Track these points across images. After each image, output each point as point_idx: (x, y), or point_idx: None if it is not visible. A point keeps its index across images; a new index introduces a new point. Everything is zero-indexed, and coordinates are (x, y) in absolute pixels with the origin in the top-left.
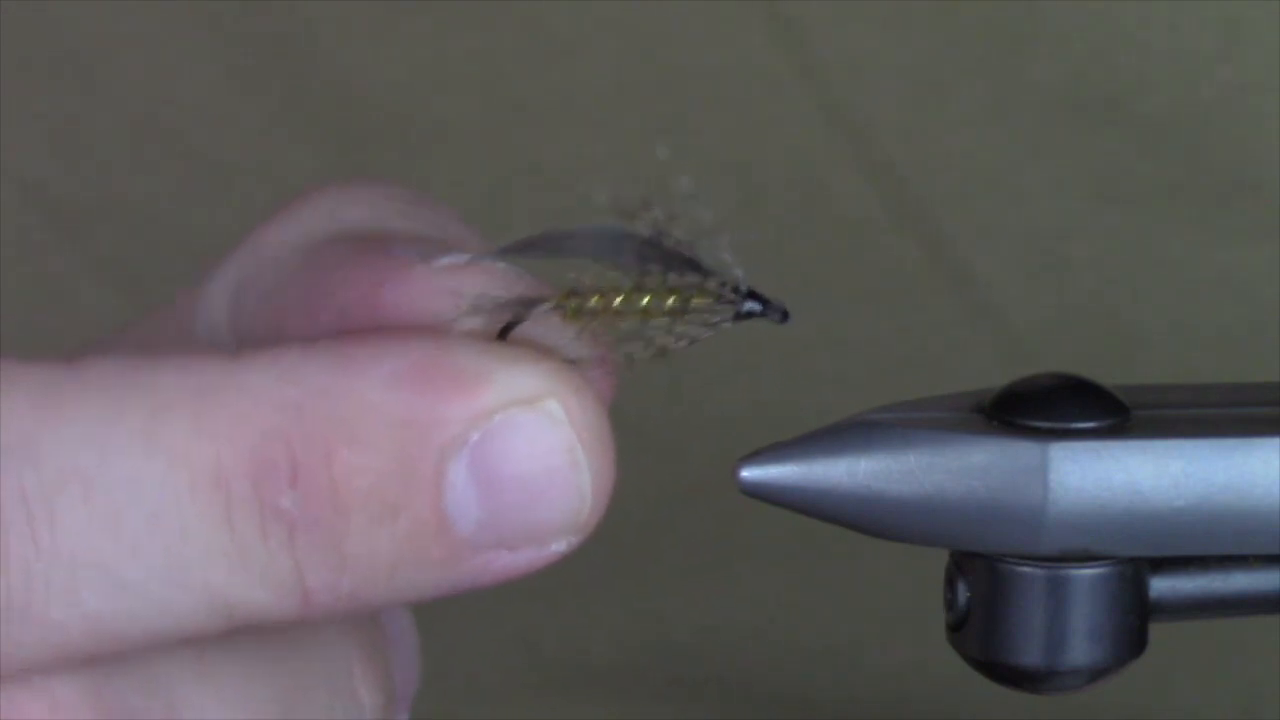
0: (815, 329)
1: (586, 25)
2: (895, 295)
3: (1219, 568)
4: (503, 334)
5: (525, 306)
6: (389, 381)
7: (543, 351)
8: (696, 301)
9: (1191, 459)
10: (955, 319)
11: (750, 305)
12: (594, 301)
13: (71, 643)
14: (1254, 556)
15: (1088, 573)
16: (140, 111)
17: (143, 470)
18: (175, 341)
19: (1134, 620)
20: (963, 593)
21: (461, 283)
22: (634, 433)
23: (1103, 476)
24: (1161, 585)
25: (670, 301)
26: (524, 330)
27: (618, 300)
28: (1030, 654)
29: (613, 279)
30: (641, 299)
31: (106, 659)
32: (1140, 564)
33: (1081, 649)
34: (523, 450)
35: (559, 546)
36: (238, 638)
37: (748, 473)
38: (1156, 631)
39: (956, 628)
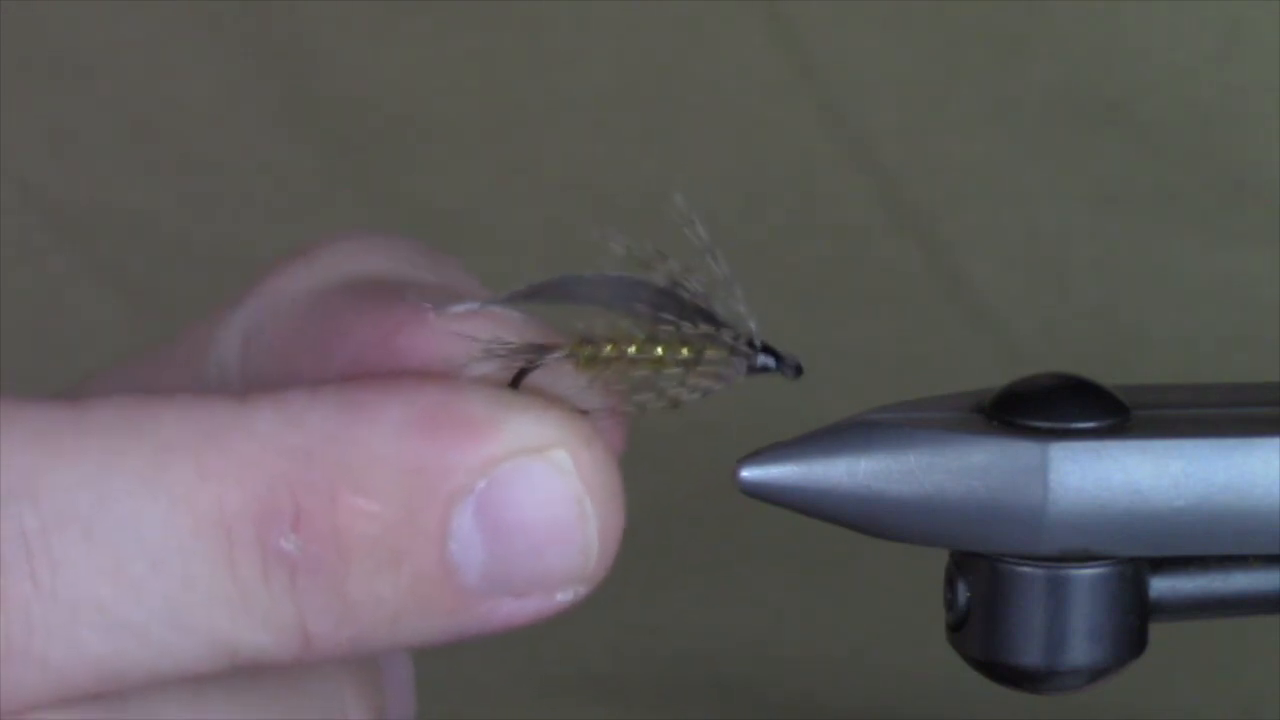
0: (814, 333)
1: (586, 28)
2: (894, 299)
3: (1219, 568)
4: (515, 382)
5: (537, 353)
6: (396, 428)
7: (554, 400)
8: (710, 353)
9: (1191, 459)
10: (954, 323)
11: (764, 359)
12: (607, 350)
13: (72, 683)
14: (1254, 556)
15: (1088, 573)
16: (140, 115)
17: (144, 512)
18: (182, 381)
19: (1134, 620)
20: (963, 593)
21: (474, 329)
22: (631, 438)
23: (1103, 476)
24: (1161, 585)
25: (683, 353)
26: (536, 379)
27: (630, 350)
28: (1030, 654)
29: (625, 328)
30: (654, 349)
31: (108, 696)
32: (1140, 564)
33: (1081, 649)
34: (529, 499)
35: (565, 596)
36: (236, 677)
37: (747, 473)
38: (1156, 631)
39: (956, 628)
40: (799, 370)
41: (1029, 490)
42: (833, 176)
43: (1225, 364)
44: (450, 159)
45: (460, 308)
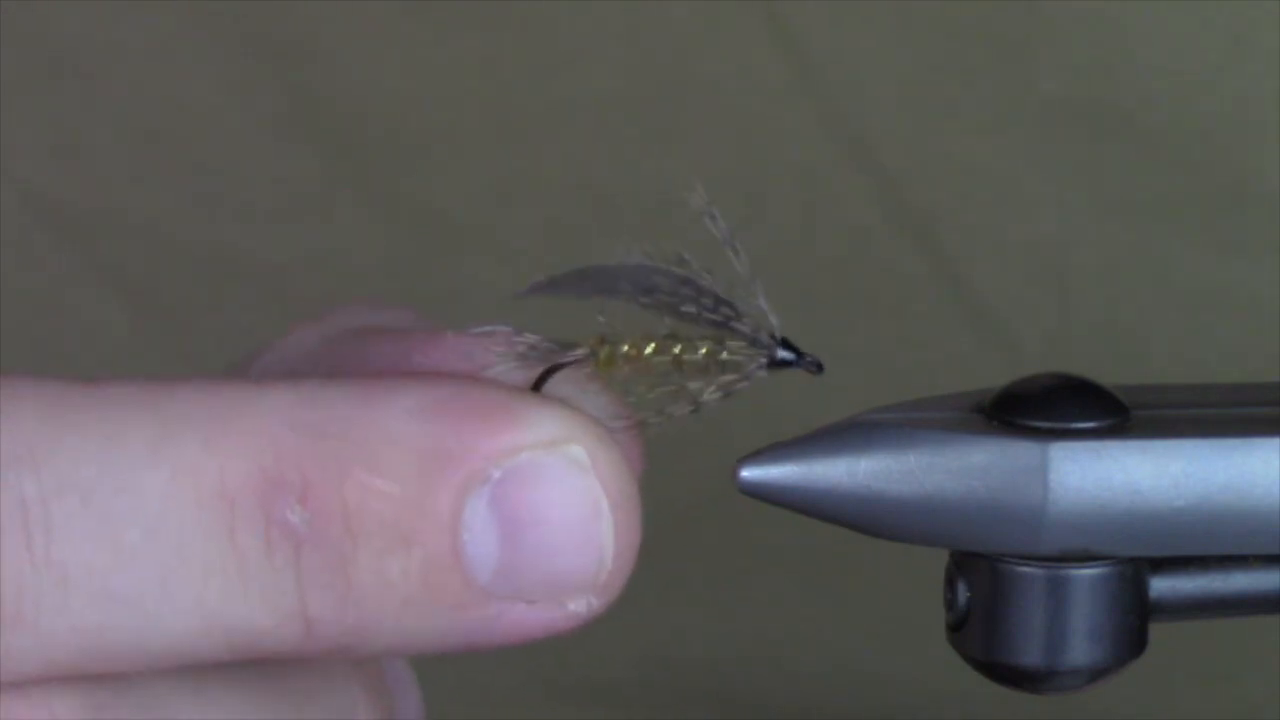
0: (815, 336)
1: (587, 32)
2: (895, 304)
3: (1219, 568)
4: (537, 385)
5: (558, 353)
6: (413, 411)
7: (574, 408)
8: (729, 348)
9: (1191, 459)
10: (956, 328)
11: (784, 354)
12: (626, 349)
13: (63, 654)
14: (1254, 556)
15: (1088, 573)
16: (141, 119)
17: (145, 482)
18: None
19: (1134, 620)
20: (963, 593)
21: (492, 345)
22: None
23: (1103, 476)
24: (1161, 585)
25: (703, 350)
26: (559, 391)
27: (650, 348)
28: (1030, 654)
29: (646, 329)
30: (674, 347)
31: (106, 678)
32: (1140, 564)
33: (1081, 649)
34: (545, 494)
35: (578, 607)
36: (243, 672)
37: (747, 473)
38: (1156, 631)
39: (957, 628)
40: (820, 367)
41: (1029, 490)
42: (835, 180)
43: (1226, 372)
44: (452, 162)
45: (480, 330)
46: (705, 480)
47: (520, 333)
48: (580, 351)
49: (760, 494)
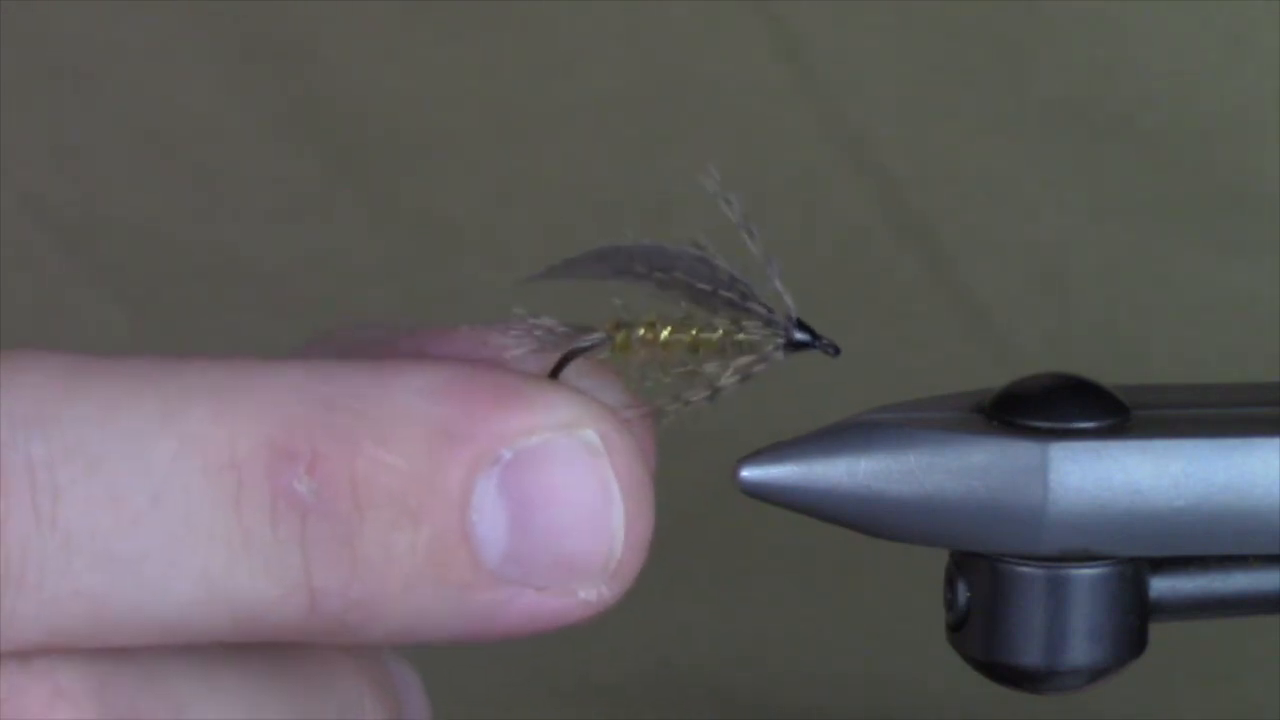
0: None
1: (587, 35)
2: (894, 308)
3: (1219, 568)
4: (554, 373)
5: (574, 337)
6: (424, 388)
7: (589, 396)
8: (745, 330)
9: (1191, 459)
10: (955, 332)
11: (800, 335)
12: (643, 332)
13: (66, 621)
14: (1254, 556)
15: (1088, 573)
16: (141, 122)
17: (153, 449)
18: None
19: (1134, 620)
20: (963, 593)
21: (508, 332)
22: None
23: (1103, 476)
24: (1161, 585)
25: (718, 333)
26: (575, 380)
27: (666, 331)
28: (1030, 654)
29: (661, 312)
30: (690, 329)
31: (110, 653)
32: (1140, 564)
33: (1081, 649)
34: (556, 476)
35: (588, 595)
36: (252, 656)
37: (747, 473)
38: (1156, 631)
39: (957, 628)
40: (837, 349)
41: (1029, 490)
42: (835, 183)
43: (1226, 373)
44: (452, 164)
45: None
46: (705, 480)
47: (536, 316)
48: (596, 335)
49: (760, 494)
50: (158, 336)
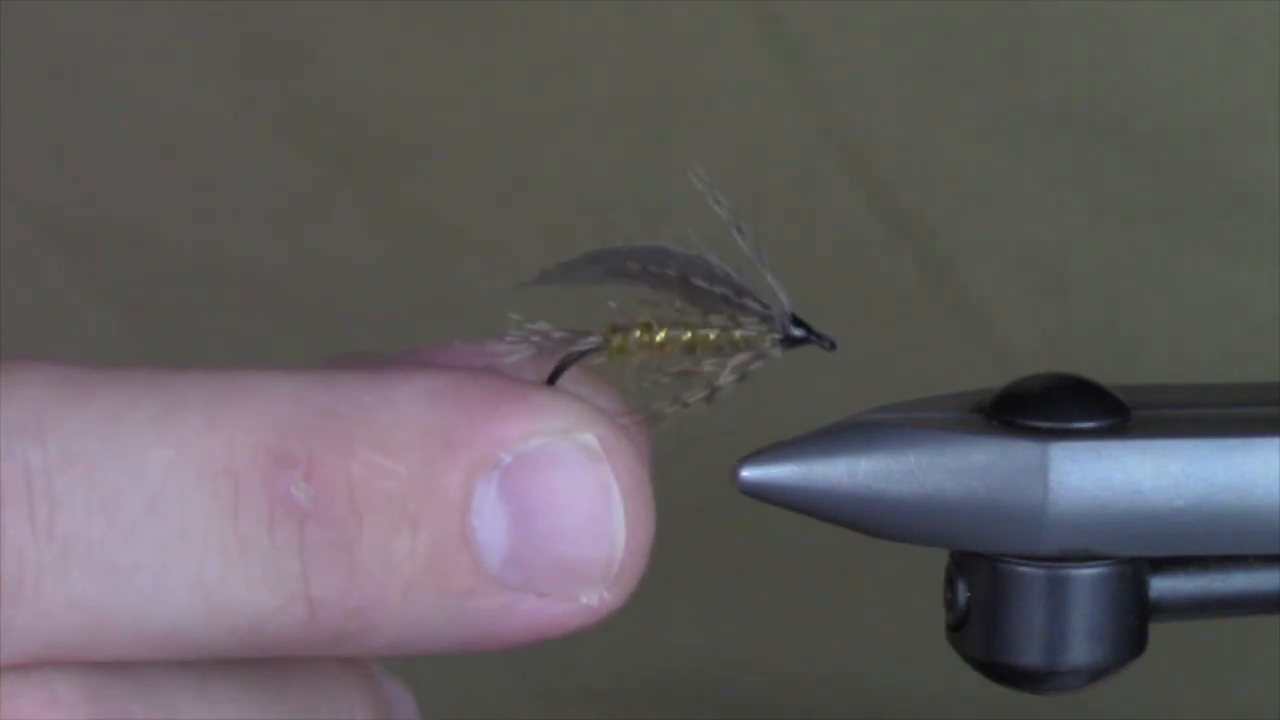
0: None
1: (585, 37)
2: (894, 309)
3: (1219, 568)
4: (551, 379)
5: (571, 341)
6: (422, 393)
7: (587, 400)
8: (742, 327)
9: (1191, 459)
10: (952, 334)
11: (796, 331)
12: (639, 334)
13: (63, 633)
14: (1254, 556)
15: (1088, 573)
16: (139, 126)
17: (148, 457)
18: None
19: (1134, 620)
20: (963, 593)
21: (505, 340)
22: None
23: (1103, 476)
24: (1161, 585)
25: (714, 333)
26: (569, 386)
27: (663, 333)
28: (1030, 654)
29: (657, 313)
30: (686, 330)
31: (106, 658)
32: (1140, 564)
33: (1081, 649)
34: (556, 480)
35: (590, 600)
36: (244, 662)
37: (747, 473)
38: (1156, 631)
39: (956, 628)
40: (833, 344)
41: (1029, 490)
42: (832, 186)
43: (1225, 373)
44: (450, 165)
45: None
46: (704, 482)
47: (532, 321)
48: (593, 339)
49: (760, 494)
50: (156, 338)
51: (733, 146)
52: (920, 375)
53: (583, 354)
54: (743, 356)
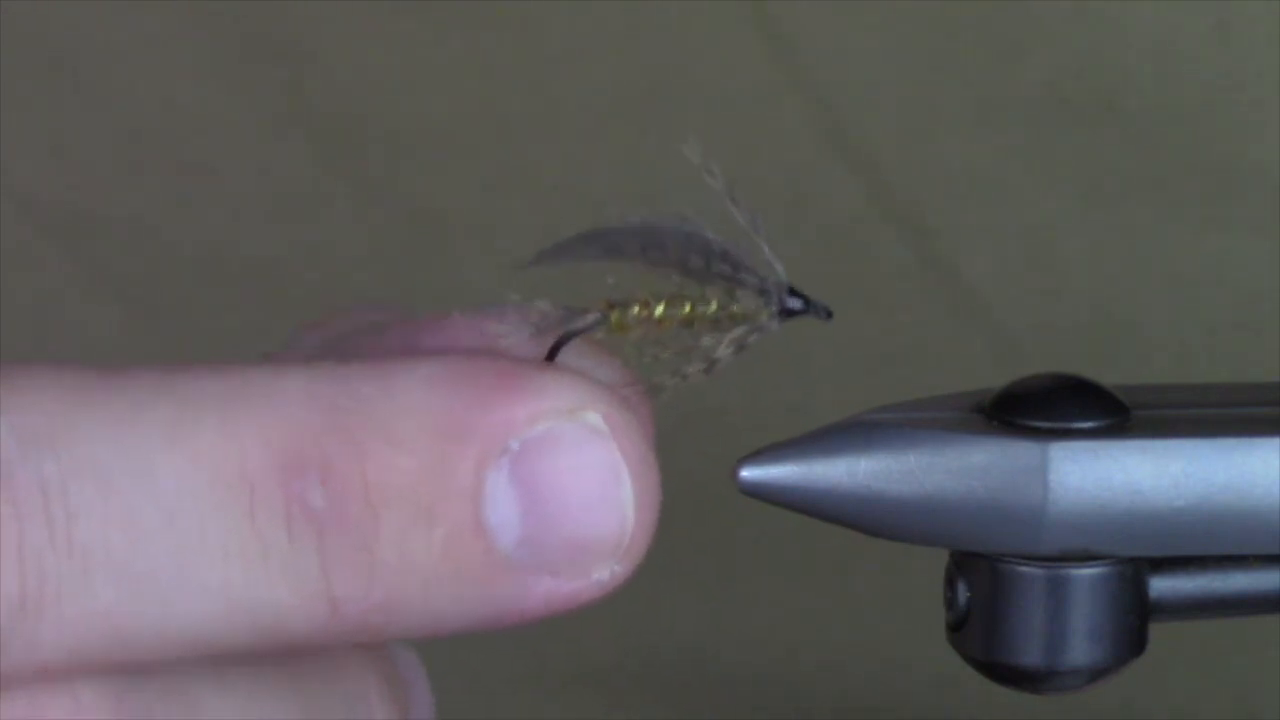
0: (809, 333)
1: (581, 33)
2: (886, 296)
3: (1219, 568)
4: (550, 356)
5: (569, 318)
6: (427, 382)
7: (588, 376)
8: (739, 304)
9: (1191, 459)
10: (947, 318)
11: (793, 302)
12: (637, 310)
13: (87, 641)
14: (1254, 556)
15: (1088, 573)
16: (137, 121)
17: (163, 464)
18: None
19: (1134, 620)
20: (963, 593)
21: (502, 318)
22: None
23: (1103, 476)
24: (1161, 585)
25: (712, 307)
26: (572, 361)
27: (660, 307)
28: (1030, 654)
29: (654, 288)
30: (684, 304)
31: (129, 664)
32: (1140, 564)
33: (1081, 649)
34: (565, 462)
35: (601, 575)
36: (262, 660)
37: (747, 473)
38: (1156, 631)
39: (956, 628)
40: (829, 313)
41: (1029, 490)
42: (826, 175)
43: (1219, 353)
44: (446, 161)
45: (489, 307)
46: (703, 476)
47: (530, 301)
48: (591, 316)
49: (760, 494)
50: (152, 331)
51: (730, 142)
52: (915, 359)
53: (581, 330)
54: (740, 329)
